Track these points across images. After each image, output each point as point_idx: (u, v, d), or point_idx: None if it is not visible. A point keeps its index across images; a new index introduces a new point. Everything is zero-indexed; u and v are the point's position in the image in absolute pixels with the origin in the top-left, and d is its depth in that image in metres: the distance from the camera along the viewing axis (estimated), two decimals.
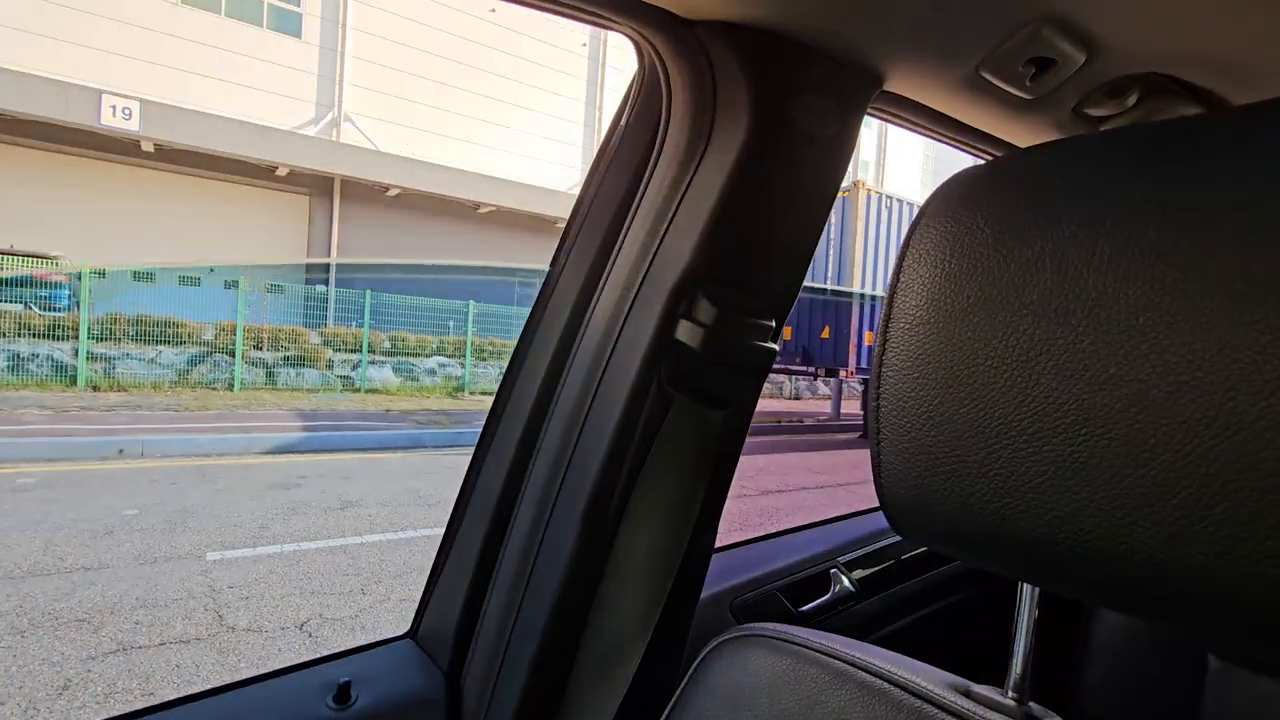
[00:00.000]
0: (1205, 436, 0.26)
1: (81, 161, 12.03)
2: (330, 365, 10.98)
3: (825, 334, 9.57)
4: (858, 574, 1.05)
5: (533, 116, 16.23)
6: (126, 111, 10.94)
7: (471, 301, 12.55)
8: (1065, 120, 0.71)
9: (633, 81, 0.65)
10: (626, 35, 0.59)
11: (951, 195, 0.37)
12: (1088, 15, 0.56)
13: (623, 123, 0.65)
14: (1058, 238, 0.32)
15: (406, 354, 11.91)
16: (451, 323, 12.71)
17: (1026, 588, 0.43)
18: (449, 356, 12.31)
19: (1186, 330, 0.27)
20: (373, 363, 11.35)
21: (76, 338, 9.01)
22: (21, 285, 9.42)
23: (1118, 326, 0.29)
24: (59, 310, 9.54)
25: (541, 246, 16.24)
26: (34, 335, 8.94)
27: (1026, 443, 0.31)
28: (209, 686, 0.64)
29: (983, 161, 0.86)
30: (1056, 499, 0.30)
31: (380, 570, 3.55)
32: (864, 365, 9.57)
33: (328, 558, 3.68)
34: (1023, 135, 0.76)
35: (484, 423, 0.72)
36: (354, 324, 11.66)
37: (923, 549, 1.15)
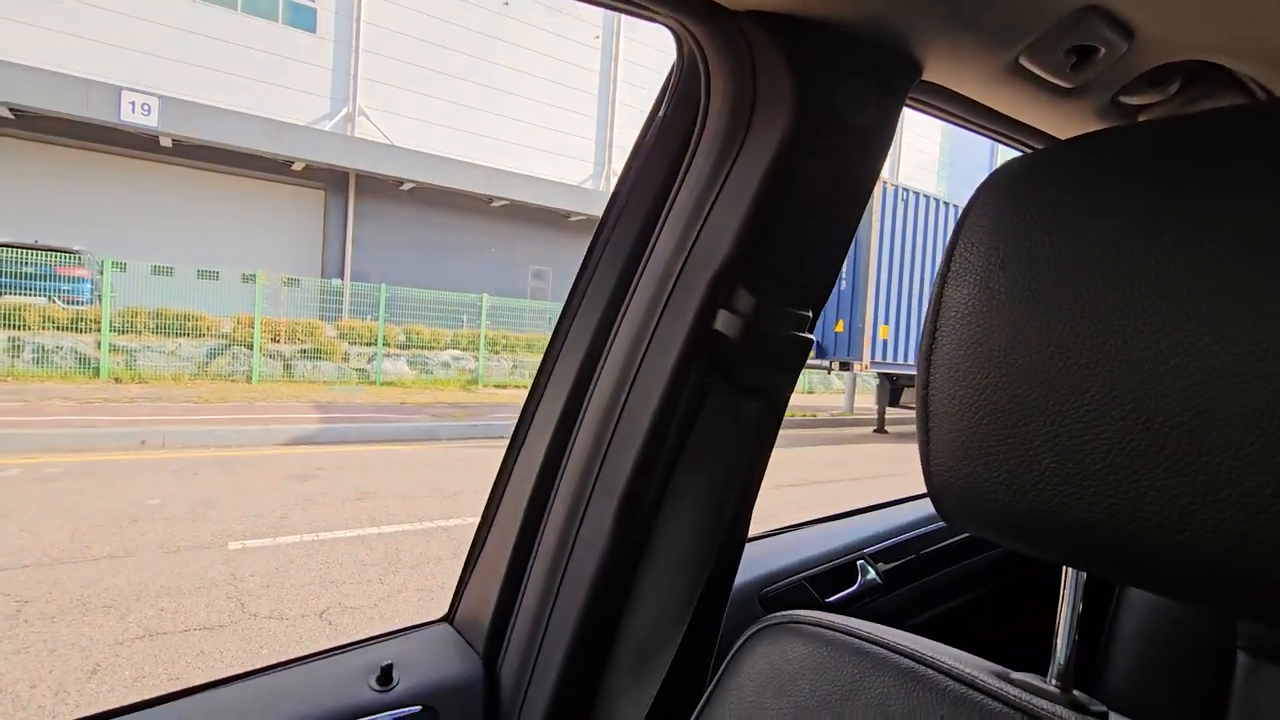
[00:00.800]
0: (1271, 426, 0.26)
1: (102, 157, 12.20)
2: (346, 358, 11.08)
3: (840, 327, 9.51)
4: (883, 565, 1.05)
5: (546, 110, 16.22)
6: (145, 108, 11.07)
7: (485, 294, 12.61)
8: (1104, 109, 0.70)
9: (670, 72, 0.65)
10: (667, 26, 0.59)
11: (1003, 183, 0.37)
12: (1132, 1, 0.55)
13: (660, 113, 0.65)
14: (1116, 227, 0.31)
15: (421, 347, 12.00)
16: (465, 316, 12.78)
17: (1071, 575, 0.42)
18: (463, 349, 12.38)
19: (1251, 319, 0.27)
20: (388, 356, 11.44)
21: (99, 330, 9.16)
22: (45, 279, 9.58)
23: (1181, 316, 0.29)
24: (81, 303, 9.70)
25: (554, 240, 16.27)
26: (58, 328, 9.10)
27: (1083, 430, 0.31)
28: (251, 668, 0.66)
29: (1019, 152, 0.85)
30: (1115, 486, 0.30)
31: (397, 561, 3.59)
32: (878, 359, 9.51)
33: (346, 548, 3.73)
34: (1060, 125, 0.75)
35: (520, 410, 0.73)
36: (369, 317, 11.75)
37: (947, 540, 1.15)
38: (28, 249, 9.51)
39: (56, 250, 9.89)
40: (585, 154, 17.01)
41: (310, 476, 5.25)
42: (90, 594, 2.91)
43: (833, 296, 9.88)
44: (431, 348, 12.09)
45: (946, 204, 10.27)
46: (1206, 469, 0.28)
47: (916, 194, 9.87)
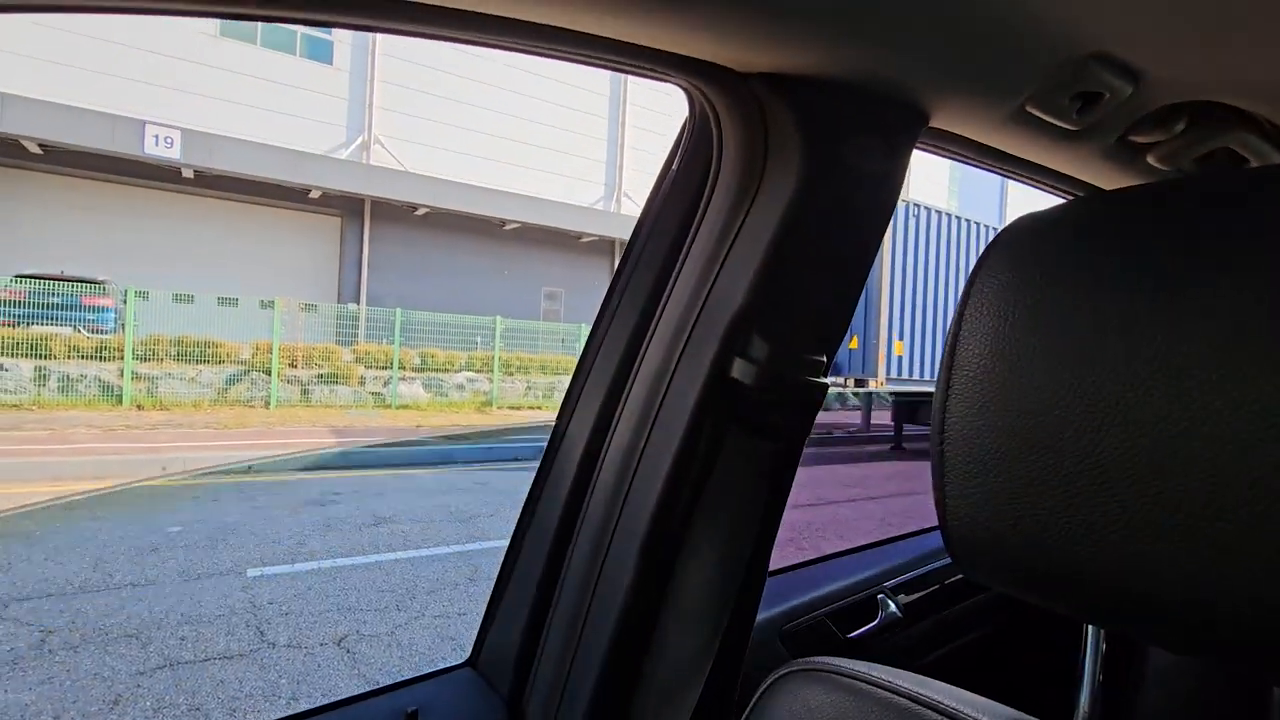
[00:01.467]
0: None
1: (126, 189, 12.52)
2: (362, 381, 11.18)
3: (854, 344, 9.45)
4: (903, 598, 1.04)
5: (556, 134, 16.44)
6: (169, 140, 11.38)
7: (498, 317, 12.71)
8: (1110, 148, 0.71)
9: (683, 128, 0.67)
10: (680, 87, 0.61)
11: (1012, 242, 0.37)
12: (1136, 48, 0.56)
13: (675, 165, 0.67)
14: (1126, 289, 0.32)
15: (436, 370, 12.08)
16: (479, 338, 12.87)
17: (1092, 630, 0.42)
18: (477, 371, 12.45)
19: (1262, 384, 0.27)
20: (403, 379, 11.52)
21: (122, 359, 9.33)
22: (71, 309, 9.79)
23: (1193, 382, 0.29)
24: (105, 332, 9.90)
25: (566, 261, 16.39)
26: (83, 357, 9.28)
27: (1097, 491, 0.31)
28: (274, 719, 0.66)
29: (1028, 187, 0.85)
30: (1132, 548, 0.31)
31: (414, 587, 3.59)
32: (893, 376, 9.43)
33: (363, 574, 3.73)
34: (1069, 164, 0.76)
35: (542, 454, 0.74)
36: (385, 341, 11.87)
37: None
38: (55, 280, 9.75)
39: (82, 281, 10.12)
40: (596, 176, 17.18)
41: (328, 502, 5.28)
42: (112, 623, 2.94)
43: None
44: (446, 370, 12.17)
45: (959, 218, 10.23)
46: (1224, 532, 0.28)
47: (929, 209, 9.85)
